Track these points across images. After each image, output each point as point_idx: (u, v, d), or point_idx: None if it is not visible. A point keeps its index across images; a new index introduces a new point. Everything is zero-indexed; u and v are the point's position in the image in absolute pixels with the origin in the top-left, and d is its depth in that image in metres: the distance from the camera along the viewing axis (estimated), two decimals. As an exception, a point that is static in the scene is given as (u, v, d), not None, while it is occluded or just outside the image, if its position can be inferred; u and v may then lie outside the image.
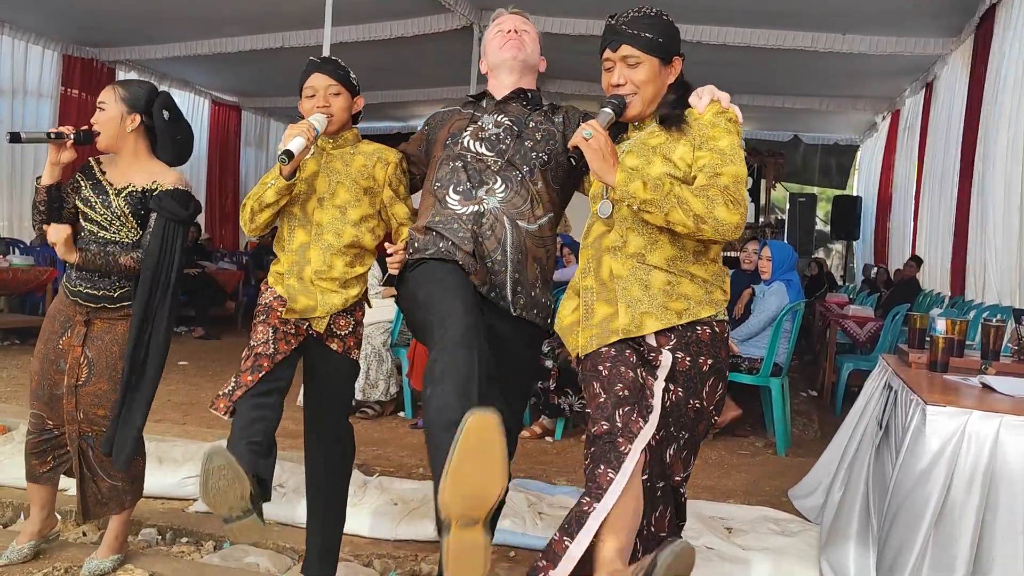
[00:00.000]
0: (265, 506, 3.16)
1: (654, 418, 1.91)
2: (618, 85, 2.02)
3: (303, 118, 2.45)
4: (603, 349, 1.99)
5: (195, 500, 3.39)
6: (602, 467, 1.83)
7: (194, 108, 12.53)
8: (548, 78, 10.82)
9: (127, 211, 2.66)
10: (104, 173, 2.71)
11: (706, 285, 2.00)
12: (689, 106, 2.03)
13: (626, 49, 2.00)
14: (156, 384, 2.66)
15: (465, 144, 2.31)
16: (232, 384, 2.35)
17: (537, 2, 7.85)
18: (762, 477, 4.20)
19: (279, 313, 2.43)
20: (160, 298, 2.62)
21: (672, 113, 2.01)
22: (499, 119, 2.34)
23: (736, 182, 1.89)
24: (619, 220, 2.03)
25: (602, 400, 1.92)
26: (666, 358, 1.97)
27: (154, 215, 2.65)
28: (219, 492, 2.04)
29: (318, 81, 2.49)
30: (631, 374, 1.94)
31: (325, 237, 2.48)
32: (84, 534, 3.19)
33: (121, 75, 10.62)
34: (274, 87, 11.88)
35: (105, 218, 2.66)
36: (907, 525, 2.33)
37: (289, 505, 3.33)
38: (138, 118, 2.71)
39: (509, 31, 2.39)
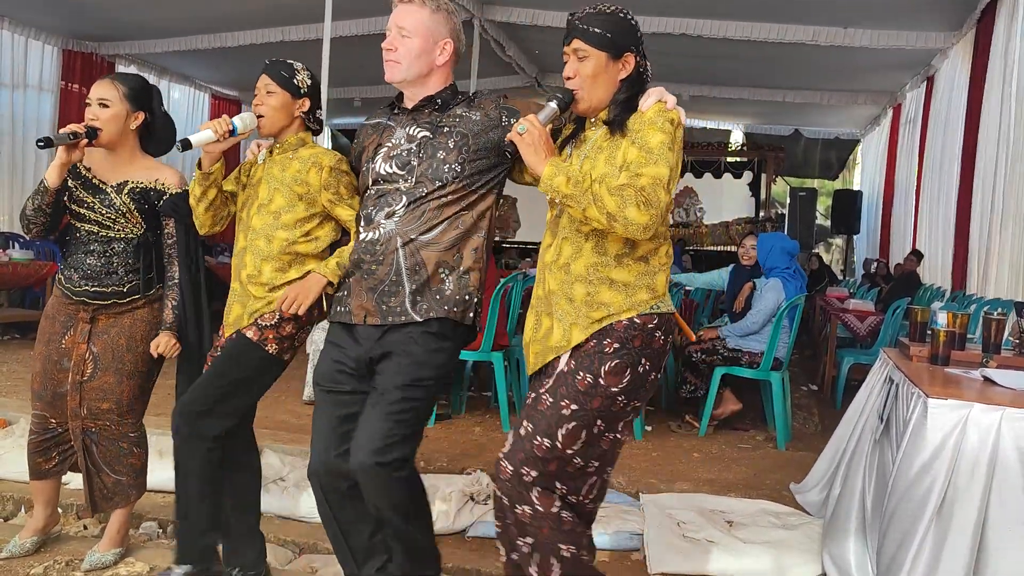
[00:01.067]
0: (266, 499, 3.19)
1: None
2: (569, 78, 2.06)
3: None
4: (529, 392, 2.11)
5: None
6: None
7: (194, 102, 12.51)
8: (548, 72, 10.81)
9: (132, 207, 2.66)
10: (89, 170, 2.69)
11: (627, 289, 2.02)
12: (636, 108, 2.05)
13: (576, 43, 2.04)
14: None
15: (377, 169, 2.29)
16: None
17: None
18: (763, 471, 4.20)
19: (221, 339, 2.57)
20: (199, 295, 2.73)
21: (617, 117, 2.04)
22: (411, 132, 2.28)
23: (654, 183, 1.90)
24: (559, 230, 2.09)
25: None
26: (560, 366, 2.05)
27: (170, 222, 2.70)
28: None
29: (260, 81, 2.52)
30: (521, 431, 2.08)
31: (257, 242, 2.49)
32: (85, 527, 3.20)
33: (121, 69, 10.59)
34: (274, 81, 11.86)
35: (107, 216, 2.65)
36: (908, 518, 2.33)
37: (290, 499, 3.34)
38: (142, 116, 2.71)
39: (387, 47, 2.26)
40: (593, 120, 2.11)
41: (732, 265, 5.75)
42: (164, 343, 2.69)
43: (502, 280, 4.76)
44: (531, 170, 2.00)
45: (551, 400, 2.00)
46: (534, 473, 1.97)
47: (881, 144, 12.12)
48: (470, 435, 4.55)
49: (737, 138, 14.41)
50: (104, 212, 2.65)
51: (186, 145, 2.37)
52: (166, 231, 2.73)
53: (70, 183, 2.66)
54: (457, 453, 4.12)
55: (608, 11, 2.06)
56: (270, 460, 3.73)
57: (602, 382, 1.99)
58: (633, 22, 2.08)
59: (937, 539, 2.28)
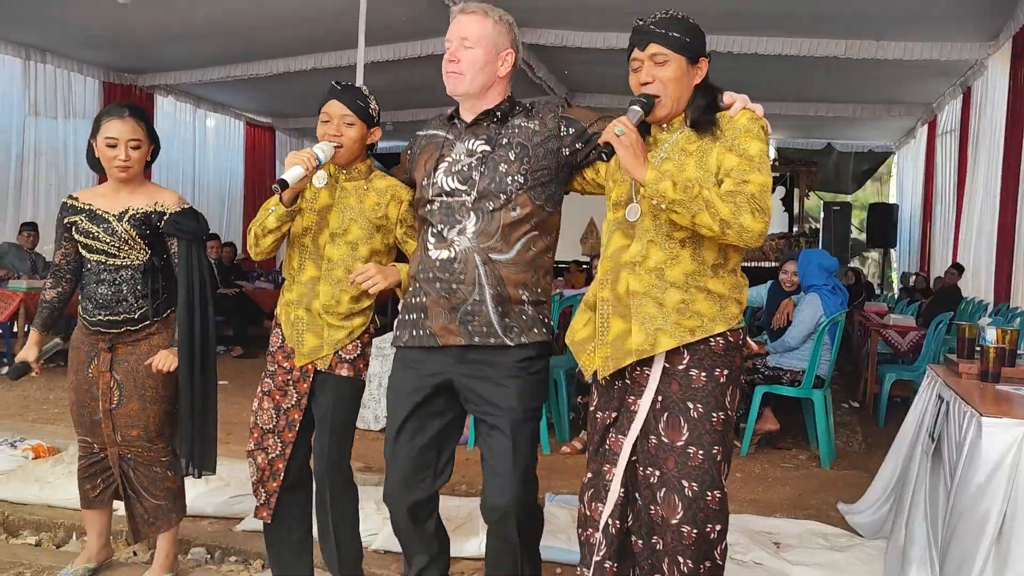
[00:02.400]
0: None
1: (612, 495, 2.07)
2: (646, 83, 2.02)
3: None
4: (603, 399, 2.13)
5: (243, 519, 3.42)
6: (584, 551, 2.15)
7: (229, 130, 12.74)
8: (577, 92, 10.85)
9: (134, 233, 2.69)
10: (91, 204, 2.72)
11: (721, 300, 2.01)
12: (719, 109, 2.04)
13: (654, 47, 2.01)
14: (216, 390, 2.83)
15: (439, 183, 2.24)
16: (263, 494, 2.57)
17: (563, 17, 7.96)
18: (807, 490, 4.14)
19: (283, 373, 2.55)
20: (202, 312, 2.72)
21: (705, 118, 2.02)
22: (471, 145, 2.24)
23: (763, 191, 1.91)
24: (641, 233, 2.03)
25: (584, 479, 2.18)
26: (654, 375, 2.01)
27: (173, 241, 2.72)
28: None
29: (333, 108, 2.47)
30: (601, 449, 2.12)
31: (335, 272, 2.48)
32: (135, 554, 3.23)
33: (159, 99, 10.83)
34: (307, 107, 12.03)
35: (112, 245, 2.69)
36: (968, 539, 2.28)
37: (376, 526, 3.34)
38: (153, 147, 2.77)
39: (449, 58, 2.22)
40: (664, 126, 2.08)
41: (770, 282, 5.70)
42: (160, 359, 2.69)
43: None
44: (630, 173, 1.94)
45: (702, 452, 1.97)
46: (718, 527, 1.97)
47: (918, 156, 11.99)
48: (510, 457, 4.54)
49: (769, 153, 14.30)
50: (108, 240, 2.68)
51: (284, 185, 2.31)
52: (172, 251, 2.74)
53: (75, 218, 2.71)
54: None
55: (680, 16, 2.05)
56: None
57: (730, 413, 2.01)
58: (701, 28, 2.07)
59: (999, 560, 2.23)
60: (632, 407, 2.05)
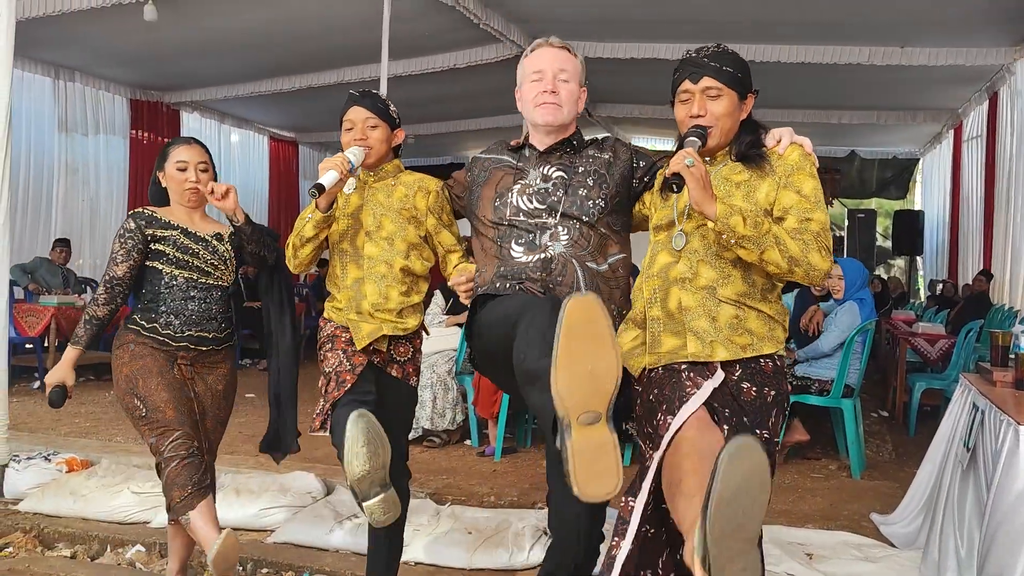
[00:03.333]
0: (343, 536, 3.21)
1: (646, 485, 1.94)
2: (697, 116, 2.02)
3: (343, 151, 2.48)
4: (647, 387, 2.03)
5: (274, 531, 3.44)
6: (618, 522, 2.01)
7: (253, 145, 12.86)
8: (599, 102, 10.86)
9: (232, 254, 2.79)
10: (181, 222, 2.75)
11: (770, 322, 2.02)
12: (764, 145, 2.05)
13: (708, 81, 2.01)
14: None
15: (515, 203, 2.25)
16: (321, 403, 2.42)
17: (584, 28, 7.99)
18: (839, 501, 4.10)
19: (345, 339, 2.49)
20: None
21: (753, 151, 2.03)
22: (546, 172, 2.27)
23: (825, 230, 1.94)
24: (688, 252, 2.03)
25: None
26: (717, 377, 1.96)
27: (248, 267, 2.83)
28: (367, 458, 2.05)
29: (356, 114, 2.52)
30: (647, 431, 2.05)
31: (377, 269, 2.51)
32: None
33: (184, 115, 10.98)
34: (330, 122, 11.99)
35: (211, 264, 2.73)
36: (1007, 549, 2.25)
37: (364, 536, 3.36)
38: (213, 175, 2.82)
39: (546, 89, 2.25)
40: (708, 159, 2.08)
41: (797, 290, 5.66)
42: None
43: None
44: (699, 207, 1.92)
45: None
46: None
47: (944, 163, 11.87)
48: (538, 468, 4.54)
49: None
50: (208, 259, 2.73)
51: (320, 190, 2.33)
52: (242, 275, 2.83)
53: (165, 232, 2.69)
54: (527, 487, 4.11)
55: (730, 52, 2.06)
56: (342, 496, 3.77)
57: (771, 436, 2.00)
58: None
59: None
60: (689, 389, 1.93)
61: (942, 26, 7.39)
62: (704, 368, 1.97)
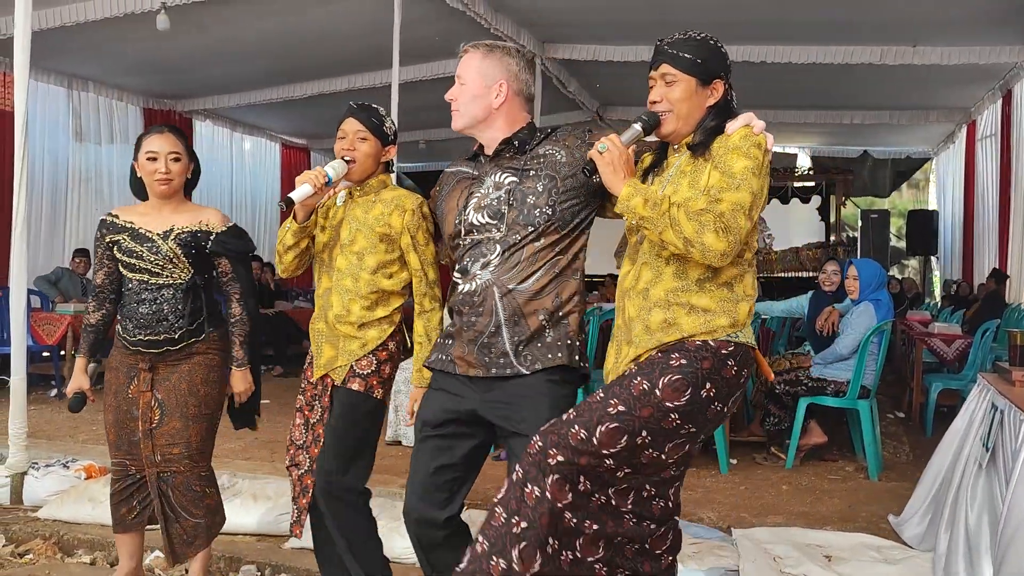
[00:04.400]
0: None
1: None
2: (654, 102, 2.04)
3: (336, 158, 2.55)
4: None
5: (291, 536, 3.45)
6: None
7: (265, 152, 12.93)
8: (609, 105, 10.86)
9: (179, 252, 2.72)
10: (132, 223, 2.75)
11: (706, 315, 1.95)
12: (720, 132, 2.02)
13: (665, 68, 2.02)
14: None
15: (469, 219, 2.26)
16: (295, 511, 2.65)
17: (594, 31, 8.00)
18: (857, 503, 4.08)
19: (311, 388, 2.64)
20: (257, 326, 2.87)
21: (701, 141, 2.01)
22: (499, 179, 2.25)
23: (734, 209, 1.87)
24: (640, 255, 2.05)
25: None
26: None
27: (224, 260, 2.77)
28: None
29: (349, 125, 2.55)
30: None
31: (343, 282, 2.55)
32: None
33: (197, 123, 11.05)
34: (341, 128, 12.19)
35: (156, 263, 2.71)
36: (1027, 551, 2.23)
37: (383, 539, 3.36)
38: (192, 166, 2.81)
39: (448, 97, 2.31)
40: (676, 147, 2.09)
41: (811, 292, 5.64)
42: (239, 380, 2.82)
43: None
44: (609, 189, 1.99)
45: (601, 396, 1.92)
46: (560, 458, 1.85)
47: (957, 162, 11.80)
48: (553, 472, 4.54)
49: (803, 162, 14.17)
50: (152, 259, 2.70)
51: (289, 203, 2.40)
52: (220, 270, 2.79)
53: (116, 237, 2.73)
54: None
55: (698, 37, 2.05)
56: (359, 501, 3.77)
57: (658, 393, 1.88)
58: (723, 49, 2.06)
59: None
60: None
61: (954, 25, 7.35)
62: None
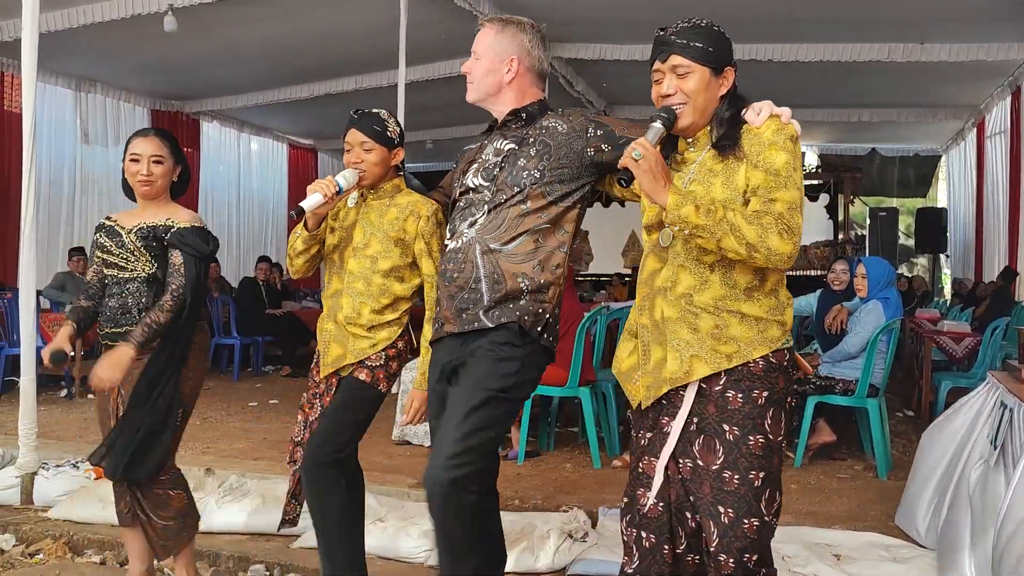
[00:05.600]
0: (368, 540, 3.21)
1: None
2: (667, 96, 1.95)
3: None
4: (639, 421, 2.04)
5: (299, 536, 3.46)
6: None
7: (273, 153, 12.96)
8: (615, 104, 10.85)
9: (139, 244, 2.72)
10: (115, 221, 2.80)
11: (759, 324, 1.91)
12: (744, 122, 1.95)
13: (676, 59, 1.93)
14: (177, 412, 2.71)
15: (466, 182, 2.32)
16: (294, 505, 2.73)
17: (599, 30, 7.99)
18: (866, 502, 4.06)
19: (314, 386, 2.66)
20: (184, 326, 2.67)
21: (725, 140, 1.93)
22: (499, 145, 2.31)
23: (790, 209, 1.83)
24: (672, 257, 1.96)
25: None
26: (688, 396, 1.93)
27: (176, 253, 2.69)
28: None
29: (353, 137, 2.57)
30: (635, 473, 2.03)
31: (355, 285, 2.57)
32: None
33: (204, 124, 11.08)
34: (348, 128, 12.21)
35: (122, 257, 2.74)
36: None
37: (390, 539, 3.37)
38: (179, 169, 2.82)
39: (463, 70, 2.39)
40: (691, 140, 2.01)
41: (819, 290, 5.62)
42: (109, 358, 2.59)
43: (587, 314, 4.75)
44: (651, 198, 1.87)
45: (738, 476, 1.88)
46: (755, 557, 1.88)
47: (967, 159, 11.76)
48: (562, 471, 4.54)
49: (811, 160, 14.12)
50: (119, 254, 2.74)
51: (300, 212, 2.43)
52: (170, 261, 2.71)
53: (98, 234, 2.81)
54: (551, 490, 4.10)
55: (703, 24, 1.97)
56: (368, 502, 3.77)
57: (771, 438, 1.89)
58: (726, 35, 1.99)
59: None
60: (665, 428, 1.96)
61: (962, 21, 7.33)
62: (683, 391, 1.95)
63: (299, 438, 2.67)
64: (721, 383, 1.90)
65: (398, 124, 2.64)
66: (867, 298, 4.80)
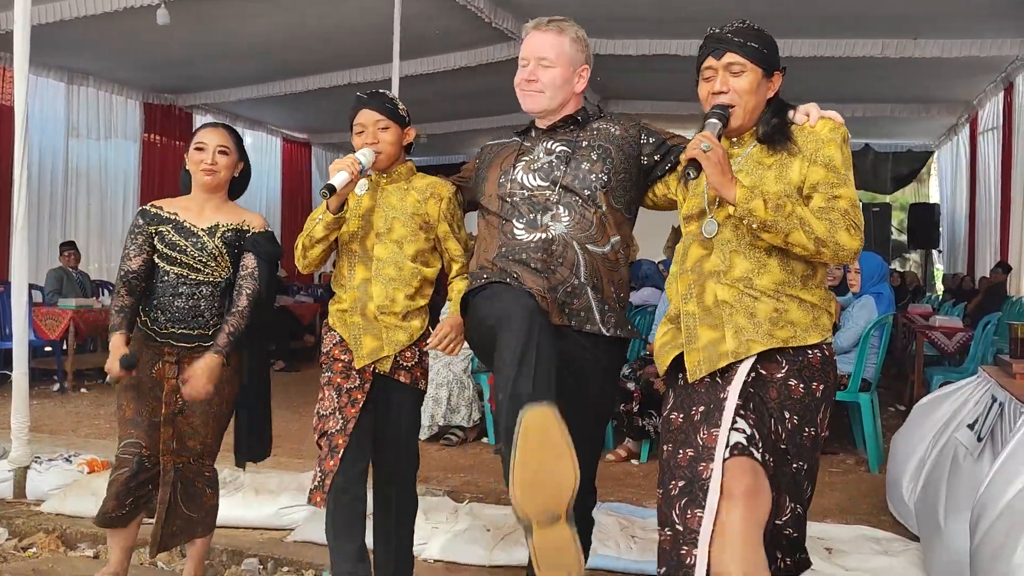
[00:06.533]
0: (370, 538, 3.19)
1: (712, 498, 1.83)
2: (719, 93, 1.95)
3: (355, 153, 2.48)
4: (682, 400, 1.98)
5: (294, 530, 3.46)
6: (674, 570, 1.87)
7: (266, 147, 12.94)
8: (612, 99, 10.85)
9: (224, 250, 2.69)
10: (177, 215, 2.72)
11: (814, 310, 1.93)
12: (790, 123, 1.97)
13: (731, 56, 1.94)
14: (269, 395, 2.91)
15: (519, 179, 2.26)
16: (319, 475, 2.42)
17: (595, 25, 7.97)
18: (858, 495, 4.09)
19: (342, 364, 2.50)
20: (259, 327, 2.76)
21: (776, 132, 1.94)
22: (550, 146, 2.27)
23: (855, 206, 1.87)
24: (721, 243, 1.96)
25: (660, 496, 1.96)
26: (741, 371, 1.90)
27: (250, 256, 2.70)
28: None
29: (366, 117, 2.49)
30: (690, 452, 1.90)
31: (386, 271, 2.50)
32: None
33: (198, 118, 11.05)
34: (343, 122, 11.88)
35: (199, 260, 2.68)
36: (1004, 532, 2.20)
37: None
38: (241, 165, 2.79)
39: (526, 77, 2.26)
40: (735, 140, 2.01)
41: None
42: (202, 367, 2.59)
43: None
44: (719, 191, 1.86)
45: (795, 464, 1.94)
46: (796, 535, 1.99)
47: (960, 155, 11.79)
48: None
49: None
50: (196, 255, 2.67)
51: (332, 190, 2.33)
52: (242, 264, 2.71)
53: (160, 228, 2.69)
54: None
55: (756, 27, 1.99)
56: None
57: (820, 432, 1.96)
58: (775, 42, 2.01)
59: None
60: (722, 395, 1.90)
61: (955, 17, 7.34)
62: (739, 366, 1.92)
63: (331, 408, 2.47)
64: (783, 371, 1.92)
65: (404, 105, 2.60)
66: (859, 293, 4.82)
